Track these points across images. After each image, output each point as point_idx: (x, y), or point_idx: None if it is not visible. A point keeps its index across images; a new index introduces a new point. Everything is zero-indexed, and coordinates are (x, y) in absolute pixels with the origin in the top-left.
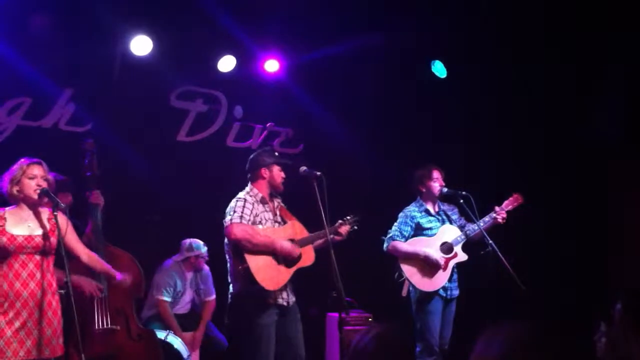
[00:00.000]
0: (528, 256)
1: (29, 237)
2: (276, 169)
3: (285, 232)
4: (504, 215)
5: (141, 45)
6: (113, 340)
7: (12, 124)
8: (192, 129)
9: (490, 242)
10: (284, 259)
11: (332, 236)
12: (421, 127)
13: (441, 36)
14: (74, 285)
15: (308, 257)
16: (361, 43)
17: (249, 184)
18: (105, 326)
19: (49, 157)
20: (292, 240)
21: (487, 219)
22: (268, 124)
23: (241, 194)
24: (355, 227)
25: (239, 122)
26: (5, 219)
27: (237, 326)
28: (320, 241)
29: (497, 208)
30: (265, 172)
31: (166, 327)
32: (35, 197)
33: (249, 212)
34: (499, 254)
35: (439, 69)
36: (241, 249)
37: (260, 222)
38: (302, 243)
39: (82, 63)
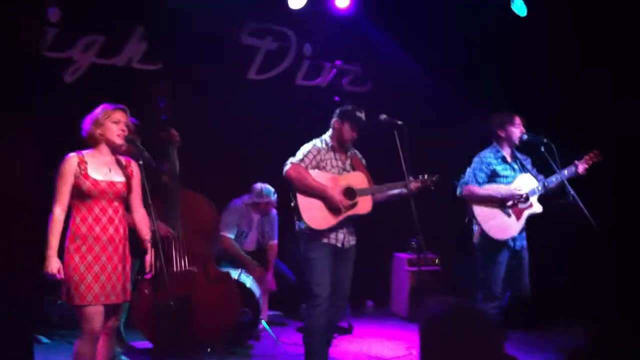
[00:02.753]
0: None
1: (111, 183)
2: (347, 126)
3: (346, 180)
4: (586, 166)
5: None
6: (191, 281)
7: (86, 62)
8: (262, 67)
9: (572, 192)
10: (333, 207)
11: (399, 191)
12: (495, 70)
13: None
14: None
15: (363, 206)
16: None
17: (328, 132)
18: (183, 268)
19: (123, 95)
20: (349, 190)
21: (566, 171)
22: (337, 62)
23: (315, 139)
24: (431, 188)
25: (308, 60)
26: (86, 162)
27: (297, 259)
28: (382, 195)
29: (577, 162)
30: (337, 123)
31: (233, 260)
32: (119, 142)
33: (312, 156)
34: (581, 203)
35: (519, 7)
36: (294, 187)
37: (324, 167)
38: (360, 193)
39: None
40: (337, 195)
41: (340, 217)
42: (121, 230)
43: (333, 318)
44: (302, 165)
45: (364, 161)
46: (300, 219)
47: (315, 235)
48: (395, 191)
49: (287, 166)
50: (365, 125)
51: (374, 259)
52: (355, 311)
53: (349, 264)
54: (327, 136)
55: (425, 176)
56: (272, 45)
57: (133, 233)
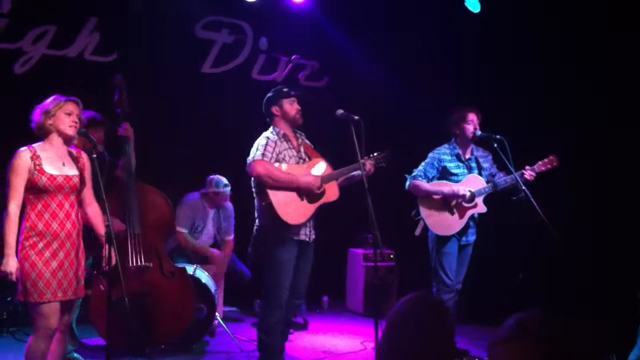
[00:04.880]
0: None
1: (67, 177)
2: (286, 103)
3: (309, 169)
4: (533, 174)
5: None
6: (147, 277)
7: (37, 53)
8: (217, 61)
9: (524, 188)
10: (307, 194)
11: (359, 172)
12: (453, 62)
13: None
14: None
15: (332, 193)
16: None
17: (271, 125)
18: (138, 263)
19: (75, 88)
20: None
21: (516, 176)
22: (293, 57)
23: (265, 133)
24: (383, 165)
25: (264, 54)
26: (39, 156)
27: (259, 259)
28: (343, 178)
29: (527, 168)
30: (275, 109)
31: (189, 254)
32: (71, 133)
33: (272, 149)
34: (532, 200)
35: (472, 3)
36: (263, 185)
37: (284, 159)
38: (325, 179)
39: None
40: (307, 178)
41: (315, 206)
42: (77, 225)
43: (289, 314)
44: (265, 159)
45: (312, 146)
46: (275, 217)
47: (287, 232)
48: (356, 173)
49: (251, 165)
50: (295, 91)
51: (329, 255)
52: (310, 307)
53: (309, 262)
54: (273, 128)
55: (375, 154)
56: (228, 39)
57: (87, 229)
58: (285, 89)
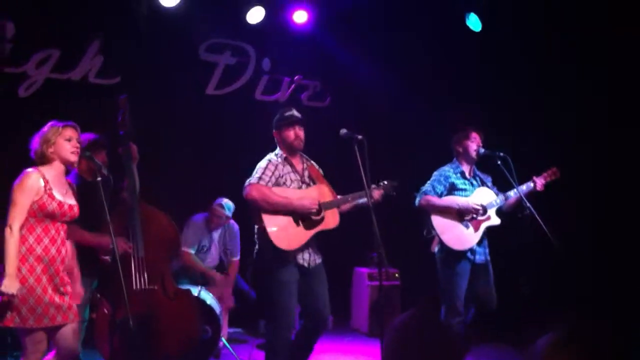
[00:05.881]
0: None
1: (70, 206)
2: (285, 129)
3: (309, 194)
4: (543, 182)
5: None
6: (151, 299)
7: (41, 77)
8: (221, 82)
9: (529, 205)
10: (304, 220)
11: (364, 200)
12: (457, 79)
13: None
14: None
15: (332, 220)
16: None
17: (277, 145)
18: (143, 286)
19: (79, 111)
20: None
21: (524, 187)
22: (296, 77)
23: (269, 155)
24: (393, 193)
25: (267, 75)
26: (48, 181)
27: (260, 282)
28: (347, 205)
29: (535, 177)
30: (276, 134)
31: (193, 277)
32: (74, 159)
33: (270, 173)
34: (537, 217)
35: (473, 22)
36: (258, 209)
37: (284, 183)
38: (326, 206)
39: (110, 14)
40: (303, 201)
41: (312, 232)
42: (69, 250)
43: (312, 339)
44: (262, 183)
45: (321, 171)
46: (268, 241)
47: (284, 256)
48: (361, 201)
49: (247, 188)
50: (292, 117)
51: (334, 274)
52: None
53: (321, 284)
54: (277, 150)
55: (386, 182)
56: (231, 60)
57: (92, 252)
58: (287, 113)
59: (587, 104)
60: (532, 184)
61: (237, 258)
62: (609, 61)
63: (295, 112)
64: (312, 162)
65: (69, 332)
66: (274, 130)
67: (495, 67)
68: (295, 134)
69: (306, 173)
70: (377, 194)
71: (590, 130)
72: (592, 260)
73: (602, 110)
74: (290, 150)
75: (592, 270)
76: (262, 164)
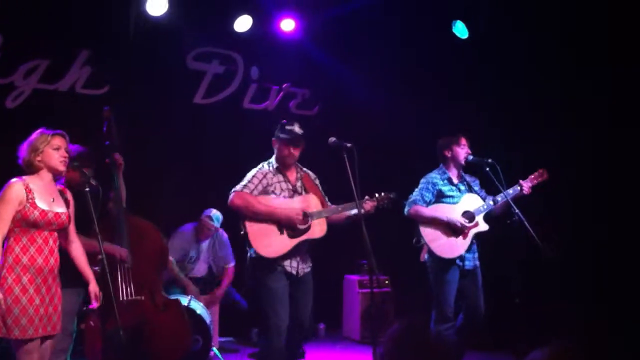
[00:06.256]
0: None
1: (57, 214)
2: (281, 144)
3: (298, 204)
4: (530, 185)
5: (157, 5)
6: (139, 310)
7: (28, 87)
8: (209, 91)
9: (517, 211)
10: (288, 228)
11: (356, 211)
12: (444, 89)
13: None
14: (106, 252)
15: (318, 229)
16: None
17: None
18: (129, 297)
19: (67, 121)
20: (302, 214)
21: (511, 191)
22: (284, 85)
23: (263, 162)
24: (388, 207)
25: (255, 83)
26: (32, 190)
27: (251, 288)
28: (337, 216)
29: (521, 181)
30: (274, 142)
31: (176, 282)
32: (62, 168)
33: (257, 181)
34: (526, 223)
35: (459, 30)
36: (242, 216)
37: (273, 192)
38: (314, 216)
39: (98, 24)
40: (288, 211)
41: (295, 241)
42: (58, 260)
43: (294, 346)
44: (247, 191)
45: (317, 181)
46: (251, 247)
47: (270, 262)
48: (353, 212)
49: (231, 195)
50: (288, 135)
51: (324, 281)
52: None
53: (307, 293)
54: (272, 159)
55: (382, 194)
56: (219, 69)
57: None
58: (287, 127)
59: (587, 104)
60: (518, 188)
61: (232, 264)
62: (609, 61)
63: (296, 129)
64: (308, 171)
65: (47, 345)
66: (273, 139)
67: (487, 74)
68: (290, 152)
69: (299, 183)
70: (369, 205)
71: (590, 130)
72: (592, 260)
73: (601, 110)
74: (281, 163)
75: (592, 270)
76: (252, 171)
